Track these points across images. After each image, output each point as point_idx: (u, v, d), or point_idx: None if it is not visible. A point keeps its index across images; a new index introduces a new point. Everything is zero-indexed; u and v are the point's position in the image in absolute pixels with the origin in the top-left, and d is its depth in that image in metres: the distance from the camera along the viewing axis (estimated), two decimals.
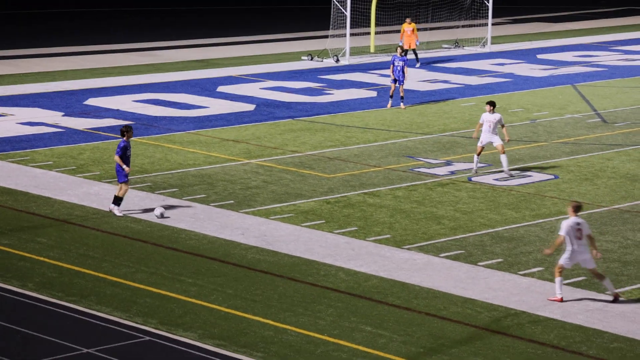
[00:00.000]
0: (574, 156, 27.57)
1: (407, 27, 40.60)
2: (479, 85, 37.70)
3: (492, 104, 25.54)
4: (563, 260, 17.80)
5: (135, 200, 23.16)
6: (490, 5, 45.47)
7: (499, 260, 19.79)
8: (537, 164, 26.65)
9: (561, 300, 17.77)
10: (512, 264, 19.59)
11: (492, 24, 46.03)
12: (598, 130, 30.70)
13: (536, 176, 25.58)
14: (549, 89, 37.01)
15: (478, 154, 25.51)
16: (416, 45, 40.74)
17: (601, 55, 44.43)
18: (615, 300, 17.76)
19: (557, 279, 17.83)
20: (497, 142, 25.30)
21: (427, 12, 46.23)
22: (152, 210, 22.30)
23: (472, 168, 25.70)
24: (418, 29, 41.98)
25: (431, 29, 47.00)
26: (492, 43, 45.78)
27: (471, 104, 34.44)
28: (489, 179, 25.23)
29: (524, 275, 19.09)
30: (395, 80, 33.55)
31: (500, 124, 25.38)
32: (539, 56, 44.12)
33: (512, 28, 52.66)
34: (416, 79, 37.92)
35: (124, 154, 22.13)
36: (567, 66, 41.73)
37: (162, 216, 21.89)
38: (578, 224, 17.70)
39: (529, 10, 59.31)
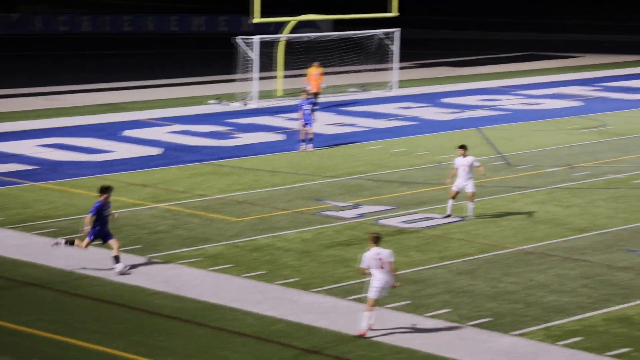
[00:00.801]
0: (479, 198, 27.88)
1: (315, 70, 40.85)
2: (385, 129, 38.04)
3: (464, 147, 25.65)
4: (372, 293, 18.09)
5: (38, 246, 22.72)
6: (395, 49, 46.03)
7: (406, 302, 19.85)
8: (443, 206, 26.87)
9: (364, 335, 17.99)
10: (418, 305, 19.66)
11: (398, 68, 46.60)
12: (502, 172, 31.13)
13: (442, 219, 25.77)
14: (454, 132, 37.51)
15: (453, 197, 25.58)
16: (321, 88, 41.00)
17: (504, 99, 45.24)
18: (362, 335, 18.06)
19: (366, 314, 18.06)
20: (470, 188, 25.44)
21: (333, 56, 46.59)
22: (54, 255, 21.87)
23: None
24: (325, 73, 42.24)
25: (338, 72, 47.37)
26: (398, 87, 46.32)
27: (378, 147, 34.71)
28: (396, 222, 25.36)
29: (431, 317, 19.17)
30: (305, 125, 33.77)
31: (474, 165, 25.54)
32: (444, 100, 44.75)
33: (418, 72, 53.37)
34: (323, 123, 38.11)
35: (99, 213, 21.39)
36: (471, 110, 42.38)
37: (123, 273, 21.10)
38: (378, 254, 18.09)
39: (433, 55, 60.24)
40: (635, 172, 31.11)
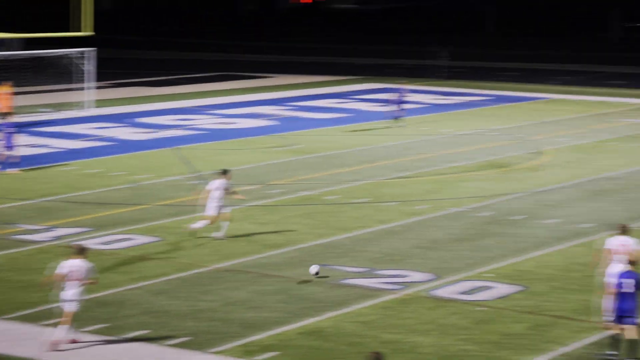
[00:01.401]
0: (177, 217, 27.98)
1: (4, 90, 39.64)
2: (80, 149, 37.44)
3: (227, 172, 25.74)
4: (68, 306, 18.14)
5: None
6: (91, 69, 45.39)
7: (104, 325, 19.54)
8: (141, 226, 26.75)
9: (74, 342, 18.14)
10: (116, 328, 19.43)
11: (94, 88, 45.98)
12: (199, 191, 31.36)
13: (140, 239, 25.66)
14: (150, 152, 37.44)
15: (212, 223, 25.45)
16: (12, 109, 39.89)
17: (199, 119, 45.69)
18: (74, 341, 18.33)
19: (63, 327, 18.04)
20: (226, 210, 25.55)
21: (25, 75, 45.36)
22: None
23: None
24: (16, 93, 41.06)
25: (30, 92, 46.13)
26: (93, 107, 45.69)
27: (73, 168, 34.09)
28: (93, 243, 24.95)
29: (130, 339, 18.99)
30: (6, 147, 32.99)
31: (228, 191, 25.53)
32: (139, 120, 44.61)
33: (113, 92, 52.92)
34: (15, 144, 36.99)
35: None
36: (166, 129, 42.49)
37: (317, 274, 22.34)
38: (76, 266, 18.22)
39: (129, 75, 59.95)
40: (327, 189, 32.27)
